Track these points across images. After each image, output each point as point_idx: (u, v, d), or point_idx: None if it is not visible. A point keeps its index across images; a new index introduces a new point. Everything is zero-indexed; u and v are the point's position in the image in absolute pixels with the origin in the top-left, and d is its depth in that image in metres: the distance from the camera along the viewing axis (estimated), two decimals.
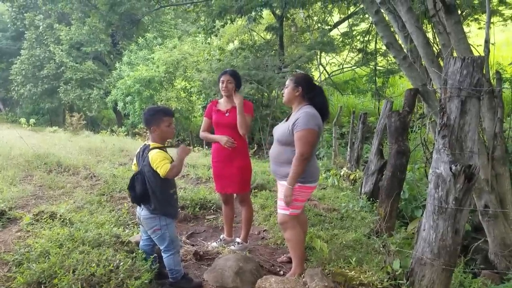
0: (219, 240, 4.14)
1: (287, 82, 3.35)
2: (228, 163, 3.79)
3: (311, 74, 13.18)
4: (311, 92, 3.22)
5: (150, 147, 2.95)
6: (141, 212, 3.03)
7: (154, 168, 2.86)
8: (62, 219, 3.70)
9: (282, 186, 3.18)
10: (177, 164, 2.92)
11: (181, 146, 3.02)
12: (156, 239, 3.04)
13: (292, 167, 3.02)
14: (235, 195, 4.05)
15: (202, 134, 3.96)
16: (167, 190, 3.00)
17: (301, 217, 3.55)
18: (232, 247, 3.93)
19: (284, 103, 3.44)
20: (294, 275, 3.18)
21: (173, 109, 15.44)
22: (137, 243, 3.36)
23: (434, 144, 4.40)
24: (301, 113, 3.09)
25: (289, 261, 3.63)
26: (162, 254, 3.08)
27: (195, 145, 14.76)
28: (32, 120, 17.21)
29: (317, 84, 3.46)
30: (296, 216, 3.22)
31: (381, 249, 3.60)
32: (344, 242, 3.85)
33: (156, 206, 2.95)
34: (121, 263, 2.91)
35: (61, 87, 20.02)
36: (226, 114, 3.77)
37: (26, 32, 21.53)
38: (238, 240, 4.02)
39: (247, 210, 3.97)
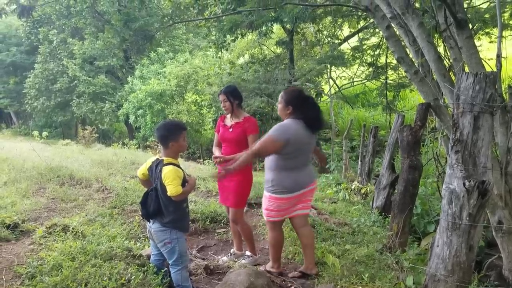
0: (229, 254, 4.13)
1: (279, 98, 3.52)
2: (229, 176, 3.79)
3: (321, 88, 13.21)
4: (301, 108, 3.39)
5: (164, 162, 2.95)
6: (152, 225, 3.03)
7: (165, 184, 2.86)
8: (74, 232, 3.72)
9: (264, 196, 3.56)
10: (185, 191, 2.95)
11: (194, 179, 3.11)
12: (166, 252, 3.03)
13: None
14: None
15: (214, 149, 4.04)
16: (181, 205, 3.02)
17: (301, 231, 3.65)
18: (243, 261, 3.93)
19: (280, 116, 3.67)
20: (272, 268, 3.70)
21: (184, 122, 15.56)
22: (148, 257, 3.37)
23: (446, 158, 4.37)
24: (277, 124, 3.41)
25: (301, 276, 3.62)
26: (170, 268, 3.08)
27: (205, 158, 14.79)
28: (44, 133, 17.40)
29: (308, 96, 3.60)
30: (274, 222, 3.56)
31: (394, 265, 3.56)
32: (356, 258, 3.82)
33: (169, 220, 2.96)
34: (133, 277, 2.93)
35: (73, 101, 20.30)
36: (230, 130, 3.84)
37: (40, 46, 21.95)
38: (247, 253, 4.02)
39: (241, 228, 3.95)
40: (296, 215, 3.61)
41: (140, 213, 3.25)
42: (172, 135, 2.98)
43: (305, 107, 3.40)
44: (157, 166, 3.00)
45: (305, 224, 3.68)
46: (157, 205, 2.94)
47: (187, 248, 3.40)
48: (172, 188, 2.83)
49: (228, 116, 3.96)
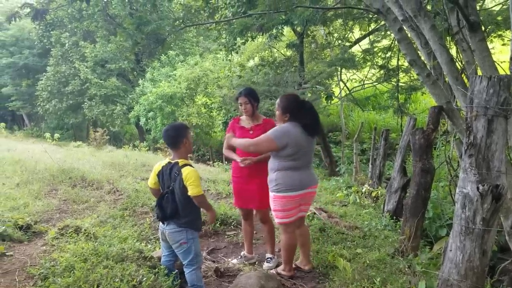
0: (239, 257, 4.13)
1: (276, 104, 3.58)
2: (248, 179, 3.80)
3: (331, 90, 13.16)
4: (298, 114, 3.45)
5: (180, 164, 2.98)
6: (166, 227, 3.04)
7: (187, 184, 2.89)
8: (86, 234, 3.76)
9: (270, 198, 3.57)
10: (206, 202, 3.09)
11: (213, 216, 3.25)
12: (181, 253, 3.05)
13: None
14: (254, 211, 4.06)
15: (226, 151, 3.94)
16: (197, 207, 3.06)
17: (299, 231, 3.69)
18: (267, 264, 3.93)
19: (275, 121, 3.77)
20: (283, 270, 3.69)
21: (194, 124, 15.61)
22: (159, 258, 3.39)
23: (458, 162, 4.32)
24: (277, 126, 3.55)
25: (295, 269, 3.77)
26: (185, 269, 3.08)
27: (215, 160, 14.83)
28: (56, 135, 17.57)
29: (305, 101, 3.64)
30: (287, 224, 3.54)
31: (406, 269, 3.53)
32: (367, 262, 3.79)
33: (186, 220, 2.99)
34: (144, 279, 2.94)
35: (85, 103, 20.50)
36: (250, 132, 3.79)
37: (52, 49, 22.23)
38: (269, 255, 4.01)
39: (269, 227, 3.99)
40: (297, 217, 3.65)
41: (155, 215, 3.28)
42: (181, 134, 3.04)
43: (302, 113, 3.47)
44: (171, 169, 3.01)
45: (302, 224, 3.78)
46: (175, 206, 2.97)
47: (200, 248, 3.40)
48: (195, 188, 2.90)
49: (244, 118, 3.93)
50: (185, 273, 3.08)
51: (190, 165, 3.00)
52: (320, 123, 3.63)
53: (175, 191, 2.97)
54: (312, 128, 3.49)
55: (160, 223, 3.13)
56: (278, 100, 3.58)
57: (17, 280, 2.88)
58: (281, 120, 3.55)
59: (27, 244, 3.66)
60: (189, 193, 2.89)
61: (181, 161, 3.00)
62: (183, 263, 3.09)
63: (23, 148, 10.88)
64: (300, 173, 3.48)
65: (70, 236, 3.70)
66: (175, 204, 2.97)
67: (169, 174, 3.01)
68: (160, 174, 3.08)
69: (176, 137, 3.04)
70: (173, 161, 3.04)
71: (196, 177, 2.93)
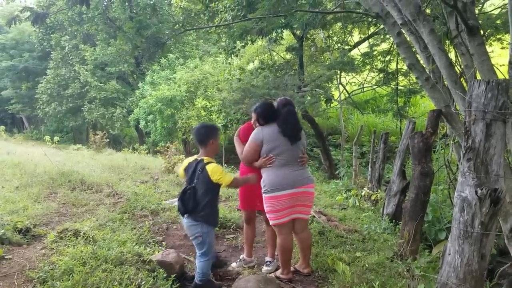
0: (239, 260, 4.13)
1: (251, 113, 3.77)
2: (258, 181, 3.78)
3: (331, 94, 13.16)
4: (270, 122, 3.62)
5: (205, 161, 3.26)
6: (185, 220, 3.31)
7: (215, 180, 3.21)
8: (85, 237, 3.75)
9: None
10: (240, 180, 3.46)
11: (254, 179, 3.53)
12: (197, 244, 3.34)
13: None
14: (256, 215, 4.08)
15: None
16: (215, 202, 3.35)
17: (301, 235, 3.73)
18: (266, 268, 3.93)
19: None
20: (281, 274, 3.68)
21: (193, 127, 15.61)
22: (158, 262, 3.39)
23: (457, 165, 4.33)
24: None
25: (294, 272, 3.78)
26: (198, 258, 3.35)
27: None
28: (56, 138, 17.62)
29: (278, 109, 3.71)
30: (280, 225, 3.58)
31: (405, 273, 3.53)
32: (366, 265, 3.79)
33: (202, 215, 3.25)
34: (143, 282, 2.95)
35: (85, 106, 20.54)
36: None
37: (52, 52, 22.30)
38: (268, 259, 4.02)
39: (272, 229, 3.98)
40: (297, 218, 3.66)
41: (177, 208, 3.52)
42: (211, 134, 3.35)
43: (274, 121, 3.61)
44: (196, 165, 3.28)
45: (305, 228, 3.78)
46: (195, 202, 3.24)
47: (214, 242, 3.65)
48: (224, 179, 3.22)
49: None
50: (197, 262, 3.34)
51: (214, 162, 3.30)
52: (296, 128, 3.66)
53: (197, 188, 3.23)
54: (287, 132, 3.57)
55: (181, 216, 3.38)
56: (254, 107, 3.76)
57: (16, 283, 2.88)
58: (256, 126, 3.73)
59: (26, 248, 3.65)
60: (223, 186, 3.26)
61: (206, 159, 3.29)
62: (197, 253, 3.35)
63: (23, 151, 10.88)
64: (284, 171, 3.53)
65: (69, 239, 3.70)
66: (195, 200, 3.23)
67: (193, 171, 3.29)
68: (187, 169, 3.37)
69: (205, 135, 3.33)
70: (199, 158, 3.33)
71: (221, 170, 3.24)
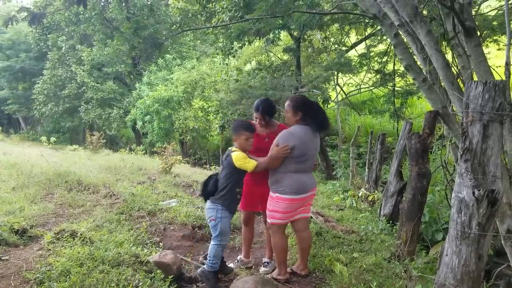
0: (236, 261, 4.13)
1: (286, 107, 3.60)
2: (260, 182, 3.78)
3: (328, 94, 13.18)
4: (310, 112, 3.51)
5: (232, 150, 3.52)
6: (206, 203, 3.61)
7: (238, 165, 3.40)
8: (82, 238, 3.74)
9: (270, 198, 3.60)
10: (263, 163, 3.43)
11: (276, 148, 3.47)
12: (211, 227, 3.54)
13: None
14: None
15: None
16: (234, 189, 3.51)
17: (302, 235, 3.73)
18: (264, 268, 3.93)
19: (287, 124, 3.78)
20: (278, 275, 3.68)
21: (191, 128, 15.60)
22: (156, 263, 3.38)
23: (454, 166, 4.34)
24: (283, 131, 3.56)
25: (291, 274, 3.78)
26: (211, 241, 3.56)
27: (212, 164, 14.82)
28: (52, 139, 17.54)
29: (313, 101, 3.71)
30: (278, 225, 3.58)
31: (402, 273, 3.54)
32: (364, 266, 3.79)
33: (219, 197, 3.44)
34: (140, 283, 2.94)
35: (82, 107, 20.49)
36: (266, 139, 3.79)
37: (49, 52, 22.22)
38: (266, 260, 4.02)
39: None
40: (299, 218, 3.67)
41: (200, 192, 3.90)
42: (235, 131, 3.53)
43: (312, 111, 3.54)
44: (227, 156, 3.54)
45: (306, 228, 3.79)
46: (214, 187, 3.49)
47: (229, 229, 3.78)
48: (247, 166, 3.39)
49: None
50: (210, 245, 3.55)
51: (240, 151, 3.47)
52: (328, 120, 3.70)
53: (221, 173, 3.52)
54: (322, 124, 3.56)
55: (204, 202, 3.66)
56: (287, 102, 3.62)
57: (12, 284, 2.87)
58: (292, 119, 3.58)
59: (22, 249, 3.64)
60: (249, 171, 3.41)
61: (234, 149, 3.52)
62: (212, 236, 3.55)
63: (19, 152, 10.83)
64: (304, 177, 3.55)
65: (66, 240, 3.69)
66: (215, 185, 3.50)
67: (224, 160, 3.57)
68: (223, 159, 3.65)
69: (234, 129, 3.56)
70: (231, 149, 3.56)
71: (243, 156, 3.41)
